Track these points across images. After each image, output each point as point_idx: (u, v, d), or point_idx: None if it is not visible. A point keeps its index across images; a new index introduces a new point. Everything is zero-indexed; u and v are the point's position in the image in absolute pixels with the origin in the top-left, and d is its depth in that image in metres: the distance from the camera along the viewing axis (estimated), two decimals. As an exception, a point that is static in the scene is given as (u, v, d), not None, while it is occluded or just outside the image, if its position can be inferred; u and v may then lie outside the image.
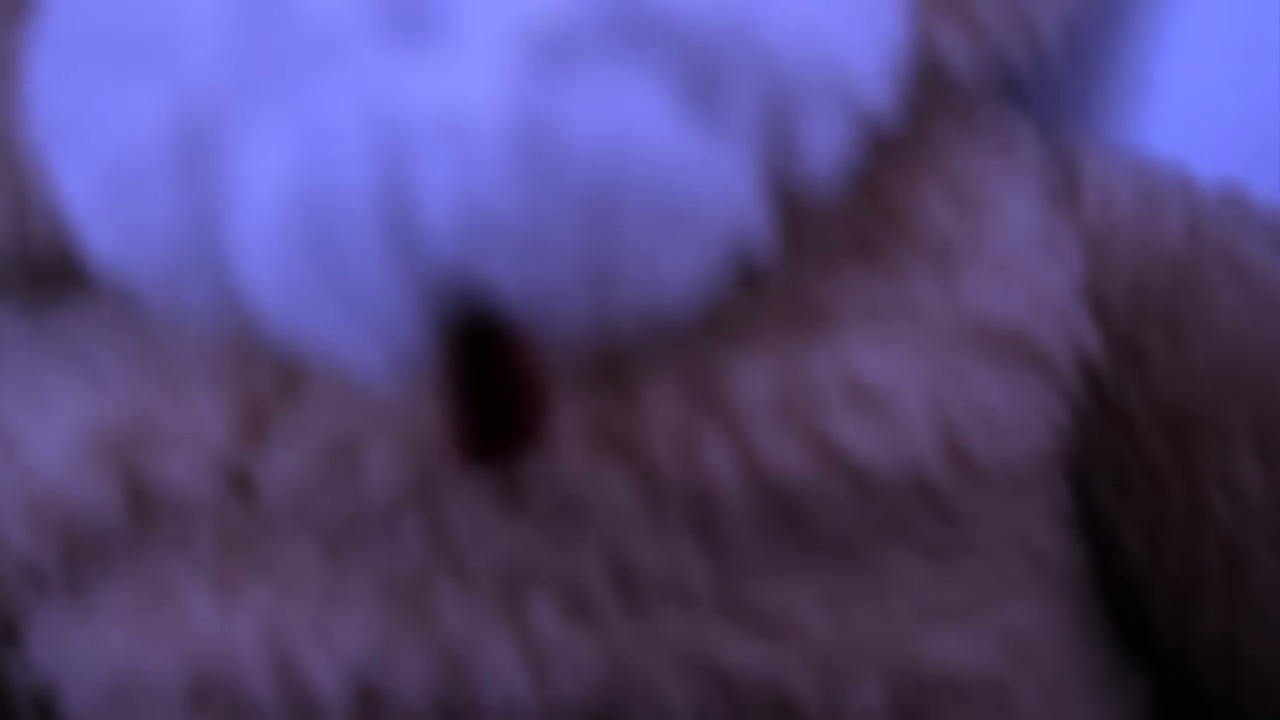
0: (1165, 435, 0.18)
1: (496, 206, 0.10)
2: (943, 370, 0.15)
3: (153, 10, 0.11)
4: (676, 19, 0.11)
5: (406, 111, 0.10)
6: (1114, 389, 0.18)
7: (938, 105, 0.17)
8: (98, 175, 0.12)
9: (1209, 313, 0.18)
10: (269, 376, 0.15)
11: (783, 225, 0.13)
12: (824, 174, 0.13)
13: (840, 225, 0.15)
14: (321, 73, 0.10)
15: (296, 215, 0.10)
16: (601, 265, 0.11)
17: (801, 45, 0.12)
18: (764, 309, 0.15)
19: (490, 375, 0.11)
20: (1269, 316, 0.18)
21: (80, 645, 0.17)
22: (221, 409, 0.15)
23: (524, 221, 0.10)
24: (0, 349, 0.18)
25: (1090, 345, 0.17)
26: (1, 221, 0.16)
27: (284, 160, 0.10)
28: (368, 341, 0.11)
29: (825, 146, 0.13)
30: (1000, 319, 0.16)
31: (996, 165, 0.18)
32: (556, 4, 0.10)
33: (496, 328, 0.11)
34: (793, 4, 0.12)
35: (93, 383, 0.16)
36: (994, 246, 0.16)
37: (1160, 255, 0.18)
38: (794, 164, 0.13)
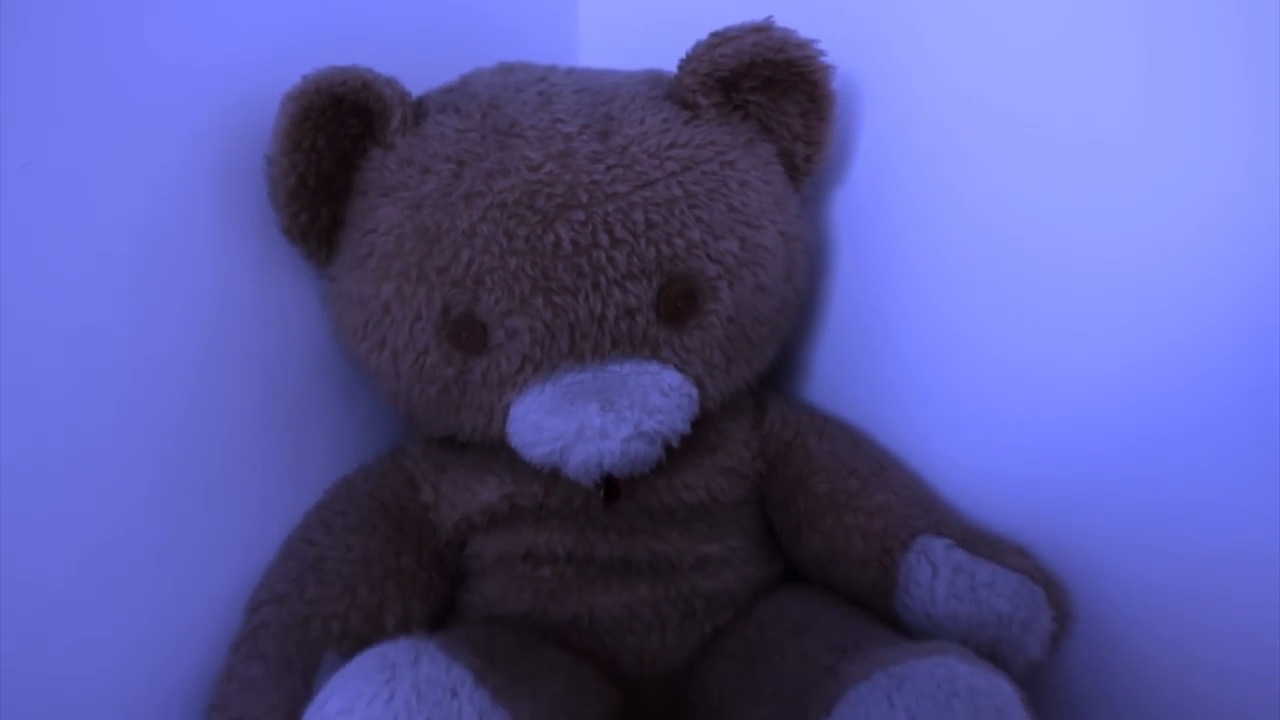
0: (783, 488, 0.54)
1: (618, 465, 0.45)
2: (706, 475, 0.52)
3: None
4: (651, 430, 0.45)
5: (605, 452, 0.44)
6: (768, 478, 0.54)
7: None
8: (543, 441, 0.45)
9: (799, 459, 0.54)
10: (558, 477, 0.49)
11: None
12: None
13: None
14: (588, 441, 0.44)
15: (583, 467, 0.44)
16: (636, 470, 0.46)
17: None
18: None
19: (611, 484, 0.48)
20: (816, 461, 0.54)
21: None
22: (540, 477, 0.50)
23: (623, 465, 0.45)
24: (445, 459, 0.54)
25: (760, 468, 0.54)
26: (480, 422, 0.49)
27: (581, 456, 0.44)
28: (589, 478, 0.46)
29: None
30: (728, 467, 0.53)
31: (736, 420, 0.54)
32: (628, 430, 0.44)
33: (613, 476, 0.47)
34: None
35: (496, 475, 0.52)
36: (727, 445, 0.53)
37: (783, 442, 0.55)
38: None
